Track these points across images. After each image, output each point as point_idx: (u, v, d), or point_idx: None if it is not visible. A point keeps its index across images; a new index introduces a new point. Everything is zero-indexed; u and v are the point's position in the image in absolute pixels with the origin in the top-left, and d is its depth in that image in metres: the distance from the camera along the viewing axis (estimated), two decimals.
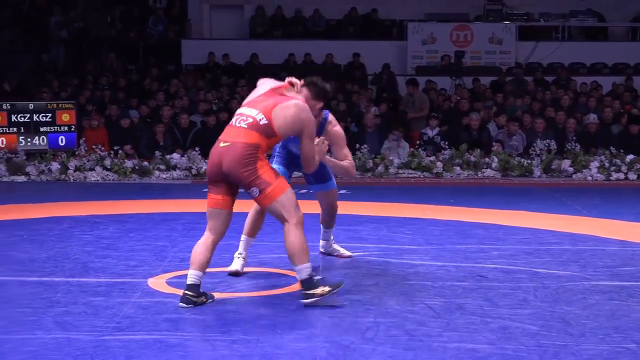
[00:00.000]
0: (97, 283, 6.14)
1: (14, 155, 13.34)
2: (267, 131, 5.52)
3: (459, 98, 16.63)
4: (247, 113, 5.61)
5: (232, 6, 21.63)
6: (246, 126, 5.53)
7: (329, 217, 7.01)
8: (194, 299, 5.52)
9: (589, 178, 13.16)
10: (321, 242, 7.19)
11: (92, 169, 13.09)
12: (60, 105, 14.04)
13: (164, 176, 13.12)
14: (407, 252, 7.33)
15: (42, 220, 8.95)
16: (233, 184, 5.60)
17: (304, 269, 5.47)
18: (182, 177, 13.10)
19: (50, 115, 13.79)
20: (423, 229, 8.58)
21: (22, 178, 12.93)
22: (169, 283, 6.15)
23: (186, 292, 5.53)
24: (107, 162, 13.15)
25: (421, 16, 20.72)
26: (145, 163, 13.30)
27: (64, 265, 6.73)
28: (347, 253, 7.16)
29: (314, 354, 4.57)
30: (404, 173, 13.41)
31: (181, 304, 5.51)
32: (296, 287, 6.06)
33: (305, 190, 11.13)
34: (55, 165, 13.03)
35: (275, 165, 6.45)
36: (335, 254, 7.14)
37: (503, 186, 12.70)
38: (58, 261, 6.89)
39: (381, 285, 6.14)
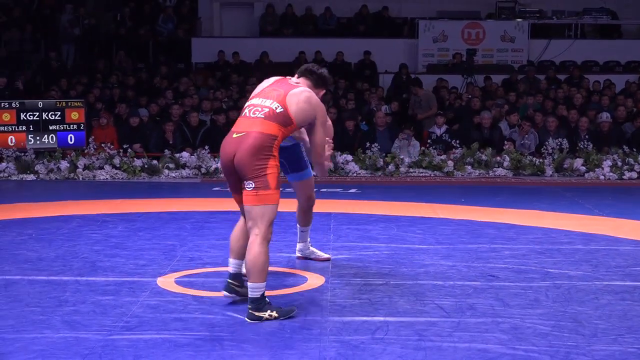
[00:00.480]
0: (106, 282, 6.11)
1: (23, 154, 13.35)
2: (284, 120, 5.38)
3: (470, 96, 16.58)
4: (261, 103, 5.46)
5: (242, 4, 21.62)
6: (263, 116, 5.37)
7: (305, 212, 6.79)
8: (237, 288, 5.50)
9: (602, 177, 13.09)
10: (298, 245, 6.99)
11: (101, 168, 13.09)
12: (69, 104, 14.04)
13: (173, 175, 13.11)
14: (418, 252, 7.29)
15: (50, 219, 8.94)
16: (240, 181, 5.42)
17: (257, 289, 5.20)
18: (192, 175, 13.09)
19: (59, 113, 13.80)
20: (434, 228, 8.54)
21: (31, 177, 12.94)
22: (178, 282, 6.13)
23: (230, 280, 5.50)
24: (117, 161, 13.15)
25: (432, 14, 20.69)
26: (155, 162, 13.29)
27: (73, 264, 6.71)
28: (325, 255, 6.96)
29: (323, 354, 4.53)
30: (415, 172, 13.36)
31: (225, 292, 5.48)
32: (306, 287, 6.04)
33: (325, 189, 11.16)
34: (64, 164, 13.03)
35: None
36: (313, 256, 6.94)
37: (515, 185, 12.64)
38: (67, 260, 6.87)
39: (391, 284, 6.10)
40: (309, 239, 6.99)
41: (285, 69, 19.29)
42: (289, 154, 6.35)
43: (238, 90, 17.27)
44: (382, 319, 5.20)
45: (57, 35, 19.84)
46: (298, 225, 6.94)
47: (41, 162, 13.17)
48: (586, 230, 8.42)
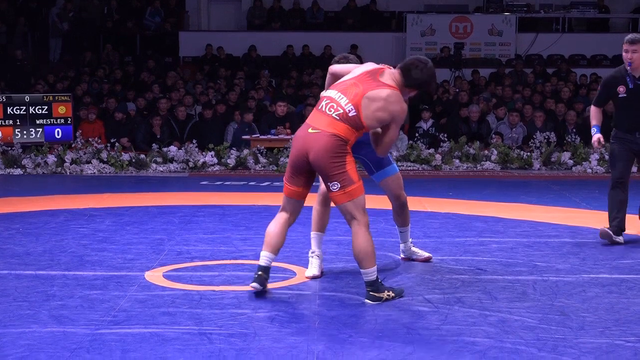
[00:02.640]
0: (94, 276, 6.10)
1: (9, 148, 13.30)
2: (355, 123, 5.39)
3: (458, 90, 16.59)
4: (337, 100, 5.43)
5: None
6: (337, 117, 5.38)
7: (399, 212, 6.56)
8: (266, 282, 5.58)
9: (589, 170, 13.13)
10: (401, 246, 6.77)
11: (88, 162, 13.05)
12: (56, 98, 13.99)
13: (161, 169, 13.08)
14: None
15: (38, 214, 8.92)
16: (312, 176, 5.55)
17: (372, 272, 5.44)
18: (179, 169, 13.06)
19: (46, 107, 13.75)
20: (422, 221, 8.54)
21: (17, 171, 12.90)
22: (166, 276, 6.11)
23: (261, 273, 5.54)
24: (104, 155, 13.12)
25: (420, 8, 20.70)
26: (142, 156, 13.26)
27: (60, 259, 6.69)
28: (426, 254, 6.75)
29: (311, 348, 4.53)
30: (403, 165, 13.37)
31: (254, 284, 5.52)
32: (294, 281, 6.04)
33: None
34: (51, 158, 12.99)
35: None
36: (414, 257, 6.73)
37: (502, 179, 12.67)
38: (54, 254, 6.85)
39: (379, 278, 6.09)
40: (410, 239, 6.75)
41: (273, 63, 19.28)
42: (371, 151, 6.15)
43: (226, 84, 17.25)
44: (370, 312, 5.21)
45: (46, 29, 19.76)
46: (396, 226, 6.74)
47: (28, 156, 13.12)
48: (573, 224, 8.44)
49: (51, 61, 19.55)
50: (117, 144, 13.42)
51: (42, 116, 13.73)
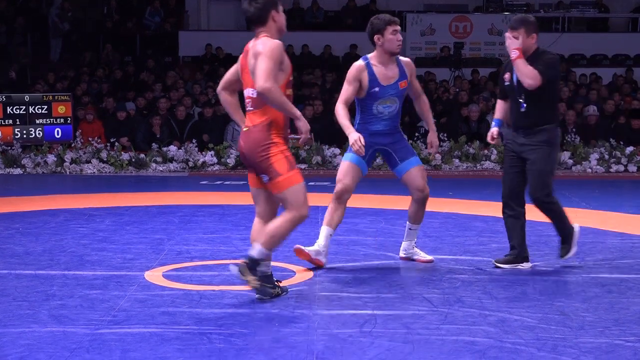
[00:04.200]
0: (93, 276, 6.10)
1: (9, 148, 13.29)
2: (261, 100, 5.38)
3: (458, 90, 16.59)
4: (247, 94, 5.51)
5: None
6: (252, 108, 5.47)
7: (418, 207, 6.53)
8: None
9: (589, 170, 13.14)
10: (403, 244, 6.73)
11: (88, 162, 13.06)
12: (56, 97, 13.99)
13: (161, 168, 13.08)
14: None
15: (38, 213, 8.92)
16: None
17: (262, 253, 5.36)
18: (179, 169, 13.06)
19: (46, 107, 13.76)
20: None
21: (17, 170, 12.90)
22: (166, 276, 6.11)
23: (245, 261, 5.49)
24: (104, 155, 13.12)
25: (420, 7, 20.69)
26: (142, 155, 13.26)
27: (60, 259, 6.69)
28: (429, 257, 6.68)
29: (311, 348, 4.53)
30: None
31: (232, 268, 5.47)
32: (294, 280, 6.04)
33: (313, 183, 11.16)
34: (51, 158, 13.00)
35: (350, 155, 6.40)
36: (415, 257, 6.69)
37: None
38: (54, 254, 6.86)
39: (379, 278, 6.10)
40: (415, 239, 6.72)
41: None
42: (394, 140, 6.35)
43: None
44: (370, 312, 5.21)
45: (46, 29, 19.75)
46: (407, 222, 6.68)
47: (28, 156, 13.13)
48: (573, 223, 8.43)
49: (51, 61, 19.53)
50: (116, 143, 13.42)
51: (41, 116, 13.74)
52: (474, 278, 6.12)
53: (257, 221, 5.66)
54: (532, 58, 6.28)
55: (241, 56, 5.60)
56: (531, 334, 4.78)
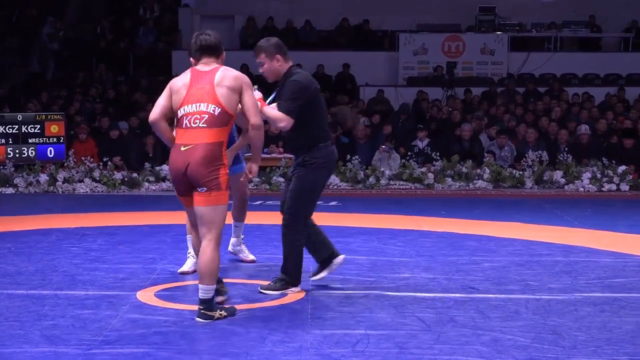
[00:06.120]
0: (85, 296, 6.08)
1: (2, 167, 13.27)
2: (224, 119, 5.43)
3: (450, 109, 16.63)
4: (199, 110, 5.43)
5: (223, 17, 21.61)
6: (205, 125, 5.41)
7: (238, 207, 7.18)
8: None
9: (581, 189, 13.15)
10: (232, 240, 7.32)
11: (80, 181, 13.03)
12: (49, 117, 13.98)
13: (154, 188, 13.07)
14: (398, 264, 7.29)
15: (30, 233, 8.89)
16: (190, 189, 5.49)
17: (210, 290, 5.43)
18: (172, 188, 13.02)
19: (38, 126, 13.74)
20: (414, 240, 8.54)
21: (10, 190, 12.87)
22: (158, 296, 6.10)
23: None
24: (96, 174, 13.10)
25: (413, 27, 20.75)
26: (135, 175, 13.25)
27: (52, 278, 6.67)
28: (251, 257, 7.32)
29: None
30: (395, 184, 13.37)
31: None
32: (286, 300, 6.03)
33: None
34: (43, 177, 12.97)
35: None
36: (241, 255, 7.34)
37: (495, 197, 12.67)
38: (46, 274, 6.83)
39: (372, 297, 6.10)
40: (242, 236, 7.35)
41: (265, 82, 19.22)
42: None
43: None
44: (362, 331, 5.20)
45: (38, 49, 19.78)
46: (233, 221, 7.25)
47: (20, 175, 13.10)
48: (566, 242, 8.45)
49: (45, 80, 19.54)
50: (109, 162, 13.41)
51: (34, 135, 13.72)
52: (467, 297, 6.12)
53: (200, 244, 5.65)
54: (285, 83, 6.22)
55: (188, 74, 5.67)
56: (524, 353, 4.78)
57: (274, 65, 6.22)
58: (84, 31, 20.73)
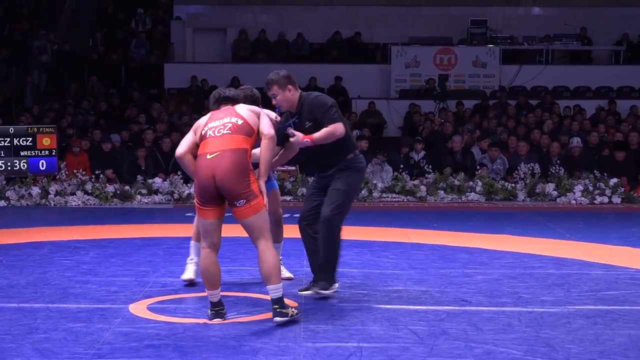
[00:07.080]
0: (78, 309, 6.06)
1: None
2: (247, 129, 5.70)
3: (442, 122, 16.65)
4: (223, 122, 5.73)
5: (215, 30, 21.66)
6: (230, 131, 5.66)
7: (274, 228, 6.73)
8: (224, 312, 5.84)
9: (573, 202, 13.17)
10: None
11: (73, 194, 13.01)
12: (41, 130, 13.94)
13: (146, 200, 13.05)
14: (391, 277, 7.29)
15: (21, 246, 8.87)
16: (222, 196, 5.64)
17: (280, 289, 5.62)
18: (164, 201, 13.03)
19: (30, 139, 13.71)
20: (407, 253, 8.55)
21: (1, 203, 12.83)
22: (150, 309, 6.09)
23: (217, 309, 5.79)
24: (89, 187, 13.08)
25: (405, 40, 20.80)
26: (127, 187, 13.23)
27: (44, 291, 6.65)
28: (288, 274, 7.19)
29: None
30: (388, 197, 13.38)
31: (216, 319, 5.73)
32: None
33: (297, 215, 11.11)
34: (35, 190, 12.94)
35: None
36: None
37: (487, 210, 12.69)
38: (38, 287, 6.81)
39: (364, 310, 6.09)
40: (280, 257, 6.91)
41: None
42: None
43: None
44: (355, 344, 5.19)
45: (30, 62, 19.76)
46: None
47: (12, 188, 13.06)
48: (558, 255, 8.46)
49: (36, 93, 19.52)
50: (101, 175, 13.39)
51: (26, 148, 13.68)
52: (460, 310, 6.12)
53: (210, 253, 5.74)
54: (303, 107, 6.47)
55: (214, 113, 5.94)
56: None
57: (286, 95, 6.45)
58: (76, 43, 20.71)
